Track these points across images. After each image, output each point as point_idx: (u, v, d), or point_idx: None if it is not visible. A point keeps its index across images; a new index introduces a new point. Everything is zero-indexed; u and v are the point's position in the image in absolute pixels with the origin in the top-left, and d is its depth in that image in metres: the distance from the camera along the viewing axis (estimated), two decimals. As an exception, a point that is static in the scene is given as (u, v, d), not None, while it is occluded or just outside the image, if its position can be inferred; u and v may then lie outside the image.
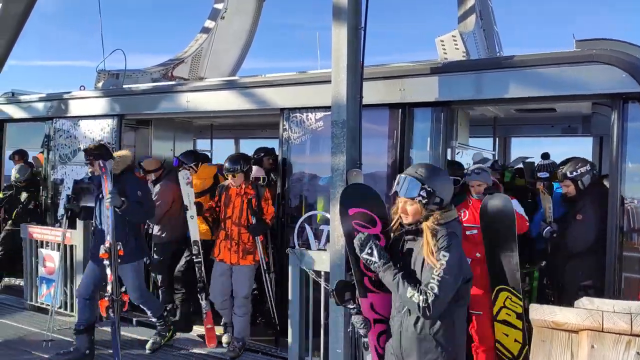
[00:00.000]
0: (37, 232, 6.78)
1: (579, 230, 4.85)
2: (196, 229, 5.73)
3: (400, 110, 5.14)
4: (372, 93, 5.00)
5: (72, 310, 6.43)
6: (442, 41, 5.96)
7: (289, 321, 5.16)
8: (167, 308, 5.96)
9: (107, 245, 4.88)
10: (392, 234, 3.19)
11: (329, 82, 4.63)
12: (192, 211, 5.67)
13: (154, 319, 5.65)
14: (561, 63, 4.49)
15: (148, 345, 5.59)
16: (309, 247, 5.54)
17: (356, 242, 3.04)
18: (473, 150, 6.60)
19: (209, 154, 10.22)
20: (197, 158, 6.46)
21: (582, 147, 8.19)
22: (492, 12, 7.26)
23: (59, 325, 6.08)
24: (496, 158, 7.80)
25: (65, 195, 7.11)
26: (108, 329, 5.06)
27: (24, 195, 8.00)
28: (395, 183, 2.97)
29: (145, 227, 6.63)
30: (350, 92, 4.57)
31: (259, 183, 5.91)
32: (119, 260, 4.97)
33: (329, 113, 4.68)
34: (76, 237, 6.31)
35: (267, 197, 5.58)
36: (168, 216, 6.18)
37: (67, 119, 7.63)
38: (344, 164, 4.56)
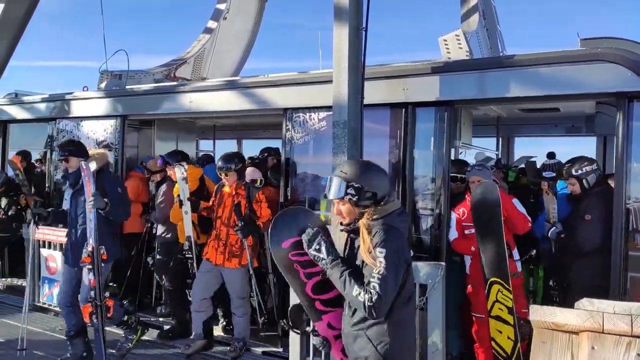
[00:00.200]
0: (39, 232, 6.79)
1: (588, 231, 4.78)
2: (190, 224, 5.66)
3: (403, 109, 5.11)
4: (375, 93, 4.99)
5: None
6: (445, 40, 5.96)
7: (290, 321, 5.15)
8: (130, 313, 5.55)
9: (89, 248, 4.68)
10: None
11: (332, 81, 4.63)
12: (186, 207, 5.60)
13: (115, 325, 5.39)
14: (566, 62, 4.46)
15: (116, 351, 5.39)
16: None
17: (304, 237, 2.89)
18: (476, 150, 6.58)
19: (211, 154, 10.22)
20: (184, 158, 6.29)
21: (585, 146, 8.14)
22: (495, 11, 7.24)
23: (60, 325, 6.09)
24: (499, 157, 7.77)
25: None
26: (105, 327, 5.02)
27: (3, 202, 7.89)
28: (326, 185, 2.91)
29: (150, 227, 6.65)
30: (352, 93, 4.57)
31: (255, 185, 5.79)
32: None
33: (332, 113, 4.68)
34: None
35: (259, 199, 5.41)
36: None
37: (70, 119, 7.65)
38: (345, 164, 4.55)
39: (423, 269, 4.52)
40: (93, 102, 7.45)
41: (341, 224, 2.90)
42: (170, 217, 5.84)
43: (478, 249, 4.60)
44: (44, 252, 6.73)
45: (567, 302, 4.71)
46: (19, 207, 7.97)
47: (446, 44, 6.00)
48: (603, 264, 4.50)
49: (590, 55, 4.38)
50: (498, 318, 4.51)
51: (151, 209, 6.61)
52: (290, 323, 3.21)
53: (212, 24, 8.95)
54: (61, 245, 6.35)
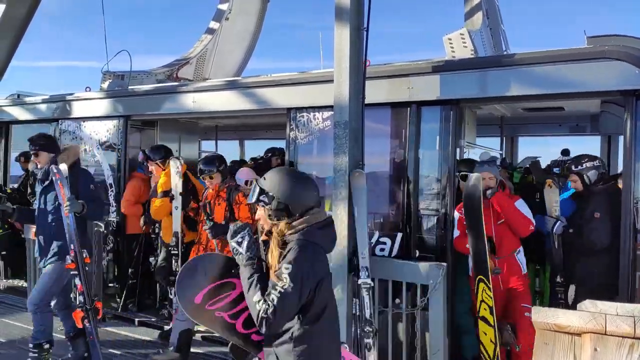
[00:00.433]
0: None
1: (597, 229, 4.68)
2: (179, 220, 5.61)
3: (408, 108, 5.06)
4: (380, 92, 4.96)
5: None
6: (449, 39, 5.92)
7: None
8: (50, 343, 5.02)
9: (72, 255, 4.61)
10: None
11: (335, 81, 4.61)
12: (177, 202, 5.57)
13: (30, 344, 4.96)
14: (573, 60, 4.40)
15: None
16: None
17: (232, 227, 2.80)
18: (480, 150, 6.54)
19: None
20: (168, 153, 6.16)
21: (590, 146, 8.12)
22: (499, 10, 7.20)
23: (60, 326, 6.08)
24: (504, 157, 7.74)
25: None
26: (108, 328, 5.01)
27: None
28: None
29: (152, 227, 6.61)
30: (353, 93, 4.55)
31: (245, 187, 5.71)
32: (52, 257, 4.78)
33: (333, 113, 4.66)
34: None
35: (238, 200, 5.24)
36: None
37: (72, 120, 7.65)
38: (346, 164, 4.55)
39: (424, 270, 4.50)
40: (95, 103, 7.44)
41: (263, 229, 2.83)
42: (153, 213, 5.74)
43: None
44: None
45: (573, 300, 4.68)
46: None
47: (451, 43, 5.96)
48: (611, 262, 4.44)
49: (598, 53, 4.32)
50: (483, 319, 4.47)
51: (146, 211, 6.55)
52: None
53: (214, 24, 8.94)
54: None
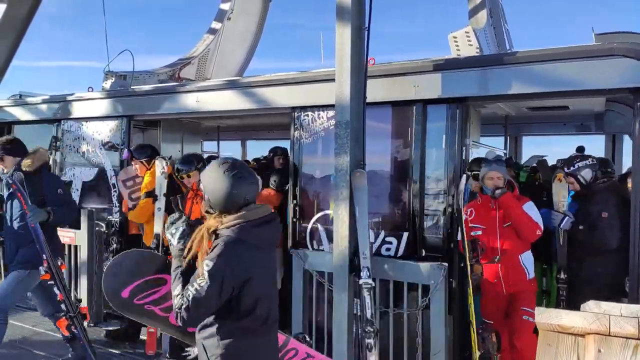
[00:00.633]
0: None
1: (607, 228, 4.60)
2: (161, 222, 5.54)
3: (414, 107, 5.00)
4: (384, 90, 4.92)
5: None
6: (455, 37, 5.87)
7: (292, 321, 5.12)
8: None
9: (45, 265, 4.51)
10: None
11: (339, 79, 4.58)
12: (160, 203, 5.50)
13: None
14: (581, 57, 4.33)
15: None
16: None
17: (170, 218, 2.81)
18: (485, 149, 6.50)
19: (216, 155, 10.21)
20: (154, 153, 6.10)
21: (595, 145, 8.05)
22: (502, 9, 7.16)
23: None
24: (510, 156, 7.69)
25: None
26: (108, 328, 4.98)
27: None
28: None
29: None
30: (354, 93, 4.53)
31: None
32: (15, 265, 4.70)
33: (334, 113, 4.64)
34: (80, 237, 6.30)
35: None
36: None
37: (74, 120, 7.65)
38: (347, 164, 4.53)
39: (425, 270, 4.47)
40: (98, 103, 7.43)
41: None
42: (132, 215, 5.65)
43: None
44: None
45: (577, 300, 4.60)
46: None
47: (456, 41, 5.91)
48: (619, 262, 4.38)
49: (606, 50, 4.24)
50: (471, 324, 4.39)
51: None
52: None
53: (216, 24, 8.93)
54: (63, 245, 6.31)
